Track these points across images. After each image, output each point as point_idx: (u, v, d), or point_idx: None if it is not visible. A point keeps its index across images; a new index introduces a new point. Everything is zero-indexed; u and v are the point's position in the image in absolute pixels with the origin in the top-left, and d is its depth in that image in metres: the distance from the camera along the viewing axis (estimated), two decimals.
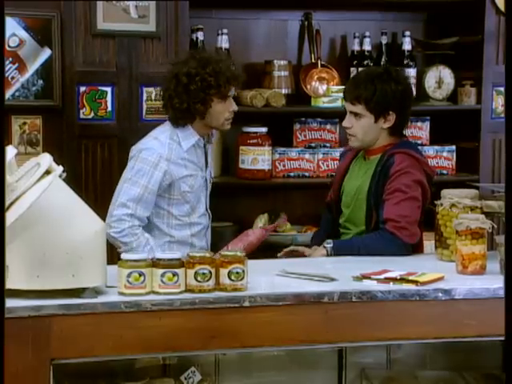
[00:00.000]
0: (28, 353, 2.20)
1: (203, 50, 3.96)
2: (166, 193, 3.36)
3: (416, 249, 3.15)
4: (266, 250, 3.59)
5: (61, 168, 2.41)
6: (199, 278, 2.37)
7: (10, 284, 2.28)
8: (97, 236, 2.34)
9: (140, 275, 2.34)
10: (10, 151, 2.47)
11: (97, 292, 2.33)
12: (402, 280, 2.48)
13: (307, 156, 4.37)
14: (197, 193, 3.46)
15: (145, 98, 4.07)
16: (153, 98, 4.07)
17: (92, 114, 4.01)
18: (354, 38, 4.45)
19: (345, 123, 3.27)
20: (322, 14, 4.53)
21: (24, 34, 3.75)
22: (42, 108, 3.87)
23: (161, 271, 2.36)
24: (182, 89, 3.30)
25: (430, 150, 4.43)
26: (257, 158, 4.25)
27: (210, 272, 2.38)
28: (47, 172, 2.37)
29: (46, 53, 3.81)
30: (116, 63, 4.01)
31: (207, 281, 2.38)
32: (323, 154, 4.38)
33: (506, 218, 2.06)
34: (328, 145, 4.42)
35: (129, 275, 2.34)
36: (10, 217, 2.29)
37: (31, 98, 3.83)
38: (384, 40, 4.45)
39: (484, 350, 2.91)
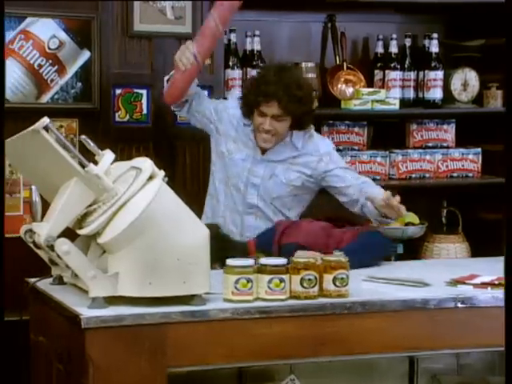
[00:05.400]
0: (145, 361, 2.14)
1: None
2: None
3: None
4: None
5: (162, 172, 2.36)
6: (305, 284, 2.34)
7: (121, 291, 2.23)
8: (204, 241, 2.29)
9: (248, 281, 2.30)
10: (109, 156, 2.41)
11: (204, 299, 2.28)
12: (500, 285, 2.49)
13: None
14: None
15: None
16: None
17: (127, 117, 3.93)
18: (378, 40, 4.46)
19: None
20: (344, 16, 4.53)
21: (64, 36, 3.64)
22: (79, 111, 3.78)
23: (268, 277, 2.32)
24: None
25: (455, 153, 4.46)
26: None
27: (316, 278, 2.36)
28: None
29: (85, 55, 3.71)
30: (152, 65, 3.94)
31: (313, 287, 2.35)
32: (351, 156, 4.38)
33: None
34: (356, 148, 4.42)
35: (236, 281, 2.30)
36: (121, 224, 2.23)
37: (70, 100, 3.73)
38: (408, 42, 4.46)
39: None
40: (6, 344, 2.47)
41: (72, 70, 3.70)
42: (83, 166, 2.35)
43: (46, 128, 2.31)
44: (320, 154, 3.47)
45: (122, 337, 2.15)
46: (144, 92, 3.94)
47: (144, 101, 3.95)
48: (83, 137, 2.43)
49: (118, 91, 3.89)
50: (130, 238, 2.21)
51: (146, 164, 2.35)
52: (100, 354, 2.13)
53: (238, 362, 2.28)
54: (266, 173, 3.44)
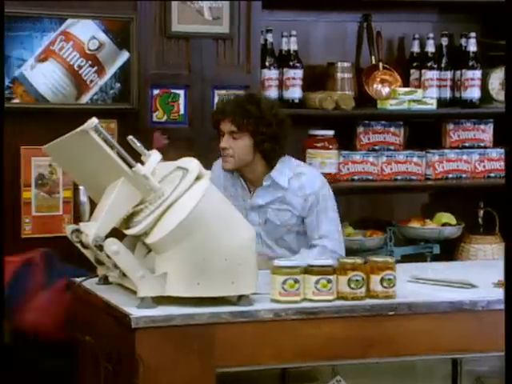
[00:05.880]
0: (193, 361, 2.15)
1: None
2: None
3: None
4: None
5: (209, 173, 2.37)
6: (352, 285, 2.34)
7: (169, 291, 2.23)
8: (250, 242, 2.29)
9: (295, 282, 2.30)
10: (156, 156, 2.41)
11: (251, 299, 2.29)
12: None
13: (371, 159, 4.35)
14: None
15: (216, 100, 4.01)
16: (224, 100, 4.01)
17: (165, 117, 3.94)
18: (414, 39, 4.44)
19: None
20: (379, 16, 4.51)
21: (103, 37, 3.66)
22: (118, 111, 3.79)
23: (315, 278, 2.32)
24: None
25: (493, 153, 4.43)
26: (324, 162, 4.22)
27: (363, 278, 2.35)
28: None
29: (124, 56, 3.73)
30: (189, 65, 3.95)
31: (360, 288, 2.34)
32: (387, 157, 4.36)
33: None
34: (392, 148, 4.40)
35: (284, 282, 2.29)
36: (169, 224, 2.23)
37: (108, 101, 3.74)
38: (445, 41, 4.43)
39: None
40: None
41: (111, 71, 3.72)
42: (130, 167, 2.36)
43: (95, 128, 2.33)
44: (305, 195, 3.28)
45: (171, 337, 2.16)
46: (181, 92, 3.95)
47: (181, 101, 3.96)
48: (130, 137, 2.44)
49: (156, 92, 3.90)
50: (178, 238, 2.22)
51: (192, 164, 2.36)
52: (150, 353, 2.14)
53: (286, 362, 2.27)
54: (260, 219, 3.29)
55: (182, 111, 3.97)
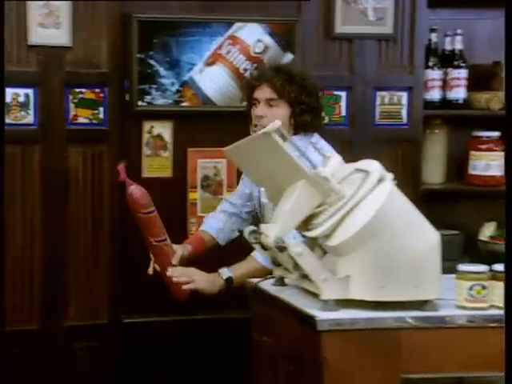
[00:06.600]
0: (379, 365, 2.12)
1: None
2: None
3: None
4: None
5: (391, 175, 2.33)
6: None
7: (352, 294, 2.21)
8: (435, 245, 2.24)
9: (482, 288, 2.23)
10: (336, 158, 2.41)
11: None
12: None
13: None
14: None
15: (378, 102, 3.97)
16: (386, 101, 3.97)
17: (326, 119, 3.93)
18: None
19: None
20: None
21: (269, 40, 3.69)
22: None
23: (502, 284, 2.24)
24: None
25: None
26: (489, 164, 4.09)
27: None
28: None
29: (288, 58, 3.75)
30: (351, 67, 3.92)
31: None
32: None
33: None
34: None
35: (471, 288, 2.23)
36: (352, 226, 2.21)
37: None
38: None
39: None
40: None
41: None
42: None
43: (277, 131, 2.34)
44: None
45: (355, 340, 2.14)
46: (343, 94, 3.93)
47: (343, 103, 3.94)
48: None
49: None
50: (361, 240, 2.20)
51: (374, 166, 2.33)
52: (335, 356, 2.13)
53: (475, 371, 2.20)
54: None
55: (343, 113, 3.95)
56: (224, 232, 3.18)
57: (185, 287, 2.91)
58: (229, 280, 2.91)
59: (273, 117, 2.89)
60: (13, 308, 3.55)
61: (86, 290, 3.65)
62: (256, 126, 2.97)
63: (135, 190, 2.90)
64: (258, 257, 2.84)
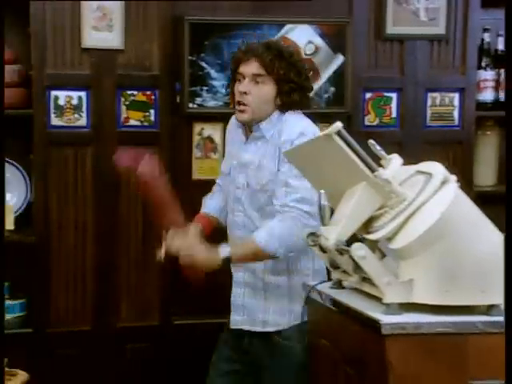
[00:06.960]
0: (445, 371, 2.09)
1: None
2: None
3: None
4: None
5: (454, 177, 2.31)
6: None
7: (416, 298, 2.19)
8: (500, 247, 2.20)
9: None
10: (398, 161, 2.38)
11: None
12: None
13: None
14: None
15: (429, 103, 3.94)
16: (437, 103, 3.94)
17: (377, 121, 3.91)
18: None
19: None
20: None
21: (319, 41, 3.68)
22: (332, 115, 3.79)
23: None
24: None
25: None
26: None
27: None
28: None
29: (339, 59, 3.73)
30: (402, 68, 3.90)
31: None
32: None
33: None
34: None
35: None
36: (416, 229, 2.19)
37: (322, 105, 3.77)
38: None
39: None
40: None
41: (325, 75, 3.74)
42: (372, 171, 2.34)
43: (339, 133, 2.32)
44: (278, 143, 2.81)
45: (420, 344, 2.11)
46: (394, 95, 3.91)
47: (393, 104, 3.92)
48: (371, 141, 2.42)
49: (368, 95, 3.89)
50: (426, 243, 2.17)
51: (437, 168, 2.30)
52: (400, 361, 2.10)
53: None
54: (244, 181, 2.92)
55: (393, 114, 3.93)
56: (225, 211, 3.08)
57: (182, 262, 2.85)
58: (225, 260, 2.80)
59: (257, 94, 2.82)
60: (65, 309, 3.59)
61: (138, 292, 3.67)
62: (239, 102, 2.85)
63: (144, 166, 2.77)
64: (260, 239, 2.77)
